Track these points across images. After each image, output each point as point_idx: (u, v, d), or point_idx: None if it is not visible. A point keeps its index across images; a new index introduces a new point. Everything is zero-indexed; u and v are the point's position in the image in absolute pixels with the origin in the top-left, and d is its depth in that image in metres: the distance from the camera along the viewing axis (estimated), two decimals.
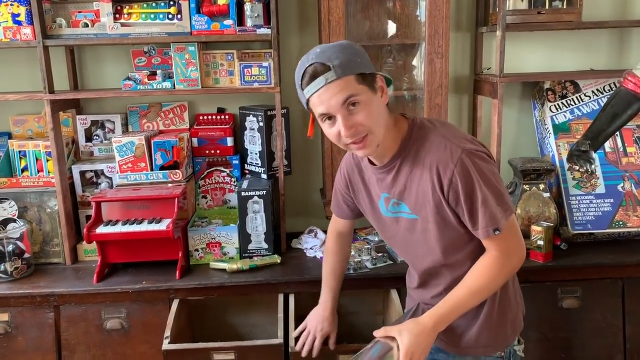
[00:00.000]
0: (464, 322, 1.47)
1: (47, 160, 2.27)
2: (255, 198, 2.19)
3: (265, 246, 2.23)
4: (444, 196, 1.34)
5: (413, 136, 1.39)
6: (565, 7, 2.32)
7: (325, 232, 2.39)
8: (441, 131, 1.37)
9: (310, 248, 2.32)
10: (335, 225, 1.79)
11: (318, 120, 1.35)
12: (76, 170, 2.32)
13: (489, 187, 1.32)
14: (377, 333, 1.38)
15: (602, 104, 2.17)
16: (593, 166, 2.11)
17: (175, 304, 2.01)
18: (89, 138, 2.42)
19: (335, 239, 1.80)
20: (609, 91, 2.42)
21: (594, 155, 2.13)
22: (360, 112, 1.28)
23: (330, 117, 1.30)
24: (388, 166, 1.42)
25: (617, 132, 2.27)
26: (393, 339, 1.34)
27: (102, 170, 2.34)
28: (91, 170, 2.34)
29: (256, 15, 2.16)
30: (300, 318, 1.92)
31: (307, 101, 1.32)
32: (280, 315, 1.95)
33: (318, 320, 1.75)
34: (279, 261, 2.19)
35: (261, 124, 2.29)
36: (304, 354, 1.73)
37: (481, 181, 1.31)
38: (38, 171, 2.29)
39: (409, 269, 1.66)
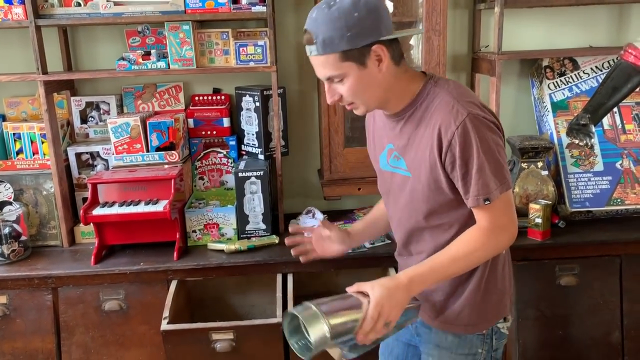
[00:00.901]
0: (446, 296, 1.45)
1: (42, 143, 2.25)
2: (253, 179, 2.18)
3: (263, 227, 2.22)
4: (441, 158, 1.31)
5: (425, 92, 1.36)
6: None
7: (322, 212, 2.40)
8: (453, 92, 1.33)
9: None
10: None
11: None
12: (72, 152, 2.30)
13: (487, 156, 1.28)
14: (350, 289, 1.32)
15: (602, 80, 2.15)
16: (593, 140, 2.10)
17: (173, 285, 2.01)
18: (84, 120, 2.40)
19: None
20: (608, 68, 2.39)
21: (594, 129, 2.12)
22: (342, 86, 1.31)
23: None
24: (398, 116, 1.40)
25: (616, 109, 2.26)
26: (366, 295, 1.27)
27: (97, 152, 2.32)
28: (87, 152, 2.32)
29: None
30: (298, 298, 1.92)
31: None
32: (279, 295, 1.95)
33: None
34: (277, 241, 2.18)
35: (258, 104, 2.27)
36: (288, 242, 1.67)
37: (481, 149, 1.28)
38: (33, 153, 2.27)
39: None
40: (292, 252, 1.66)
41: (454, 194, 1.36)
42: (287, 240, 1.67)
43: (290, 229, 1.69)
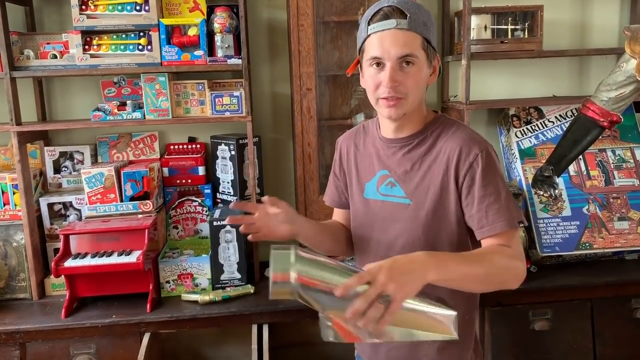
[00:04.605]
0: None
1: (14, 193, 2.22)
2: (228, 227, 2.18)
3: (238, 276, 2.21)
4: (457, 181, 1.32)
5: (438, 122, 1.39)
6: (526, 36, 2.41)
7: None
8: (469, 128, 1.40)
9: None
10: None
11: (364, 63, 1.34)
12: (44, 202, 2.28)
13: (504, 185, 1.31)
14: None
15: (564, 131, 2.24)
16: (557, 191, 2.17)
17: (146, 338, 1.97)
18: (57, 170, 2.39)
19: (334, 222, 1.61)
20: (571, 116, 2.49)
21: (557, 180, 2.20)
22: (409, 73, 1.28)
23: (379, 64, 1.30)
24: (404, 142, 1.39)
25: (580, 157, 2.34)
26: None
27: (70, 202, 2.30)
28: (59, 203, 2.30)
29: (227, 45, 2.18)
30: (274, 349, 1.91)
31: (365, 39, 1.31)
32: (254, 346, 1.93)
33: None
34: (252, 291, 2.16)
35: (233, 152, 2.29)
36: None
37: (499, 177, 1.31)
38: (4, 204, 2.23)
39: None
40: (240, 229, 1.44)
41: (458, 226, 1.34)
42: (229, 220, 1.46)
43: (228, 221, 1.47)
